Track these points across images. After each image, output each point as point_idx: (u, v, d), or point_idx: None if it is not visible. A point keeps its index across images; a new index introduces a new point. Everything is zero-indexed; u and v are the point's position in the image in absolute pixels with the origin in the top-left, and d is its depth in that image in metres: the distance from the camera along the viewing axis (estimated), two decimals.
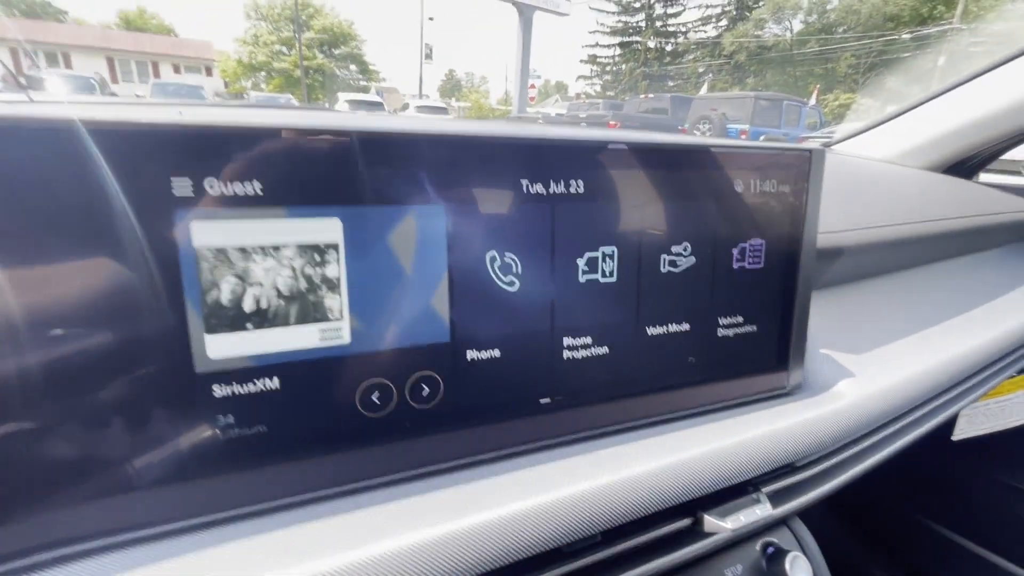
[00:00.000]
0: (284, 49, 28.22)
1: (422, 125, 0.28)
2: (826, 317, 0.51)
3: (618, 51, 36.23)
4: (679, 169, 0.34)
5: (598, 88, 37.85)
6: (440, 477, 0.30)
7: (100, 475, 0.23)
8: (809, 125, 11.39)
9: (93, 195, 0.22)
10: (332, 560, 0.24)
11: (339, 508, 0.27)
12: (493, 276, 0.30)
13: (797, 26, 28.62)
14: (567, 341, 0.32)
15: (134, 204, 0.22)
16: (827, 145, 1.10)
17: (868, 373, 0.45)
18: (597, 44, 36.98)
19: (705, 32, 33.75)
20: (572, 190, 0.31)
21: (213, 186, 0.23)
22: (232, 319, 0.25)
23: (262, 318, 0.25)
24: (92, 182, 0.22)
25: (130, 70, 27.76)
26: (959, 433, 0.72)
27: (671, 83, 33.88)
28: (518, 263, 0.30)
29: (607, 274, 0.33)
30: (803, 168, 0.39)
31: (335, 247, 0.26)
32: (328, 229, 0.26)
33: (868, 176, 0.71)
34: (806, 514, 0.45)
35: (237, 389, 0.25)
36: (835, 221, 0.49)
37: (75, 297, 0.22)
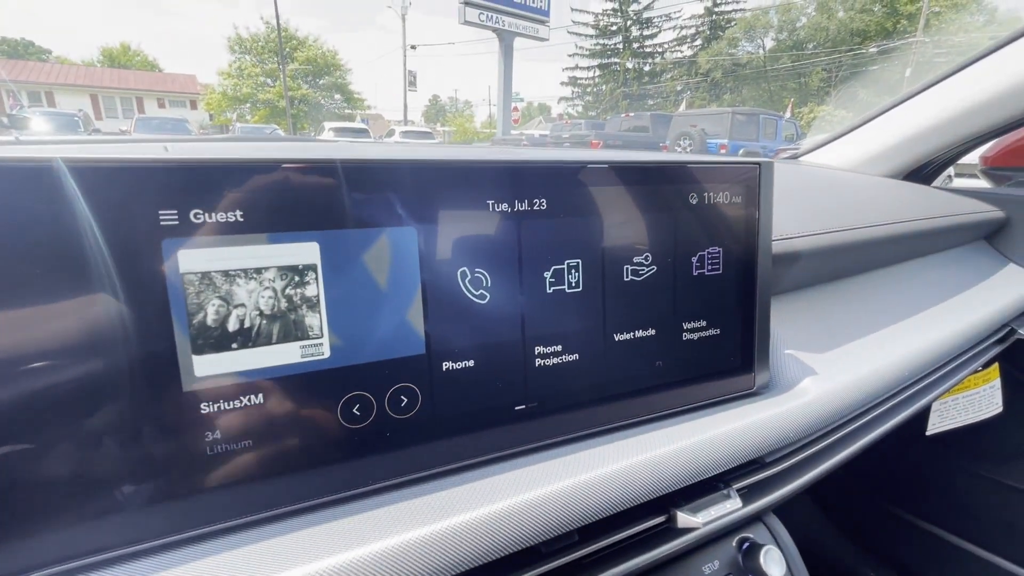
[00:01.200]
0: (268, 80, 28.54)
1: (394, 152, 0.31)
2: (791, 320, 0.53)
3: (598, 72, 37.15)
4: (637, 184, 0.37)
5: (580, 109, 38.66)
6: (421, 484, 0.31)
7: (94, 494, 0.24)
8: (787, 137, 11.70)
9: (84, 230, 0.23)
10: (316, 565, 0.25)
11: (323, 517, 0.28)
12: (464, 290, 0.32)
13: (769, 43, 29.63)
14: (538, 349, 0.34)
15: (123, 236, 0.24)
16: (795, 156, 1.15)
17: (831, 370, 0.47)
18: (577, 66, 37.93)
19: (681, 52, 34.79)
20: (536, 207, 0.34)
21: (198, 216, 0.25)
22: (218, 339, 0.26)
23: (246, 337, 0.27)
24: (83, 218, 0.23)
25: (114, 106, 27.85)
26: (932, 428, 0.74)
27: (651, 102, 34.72)
28: (488, 277, 0.33)
29: (573, 285, 0.35)
30: (753, 179, 0.41)
31: (314, 268, 0.28)
32: (306, 252, 0.28)
33: (826, 184, 0.75)
34: (788, 512, 0.47)
35: (223, 406, 0.27)
36: (791, 227, 0.51)
37: (69, 326, 0.23)
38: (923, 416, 0.72)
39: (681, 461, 0.35)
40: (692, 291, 0.40)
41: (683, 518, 0.36)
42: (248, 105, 28.55)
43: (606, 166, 0.36)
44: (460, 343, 0.32)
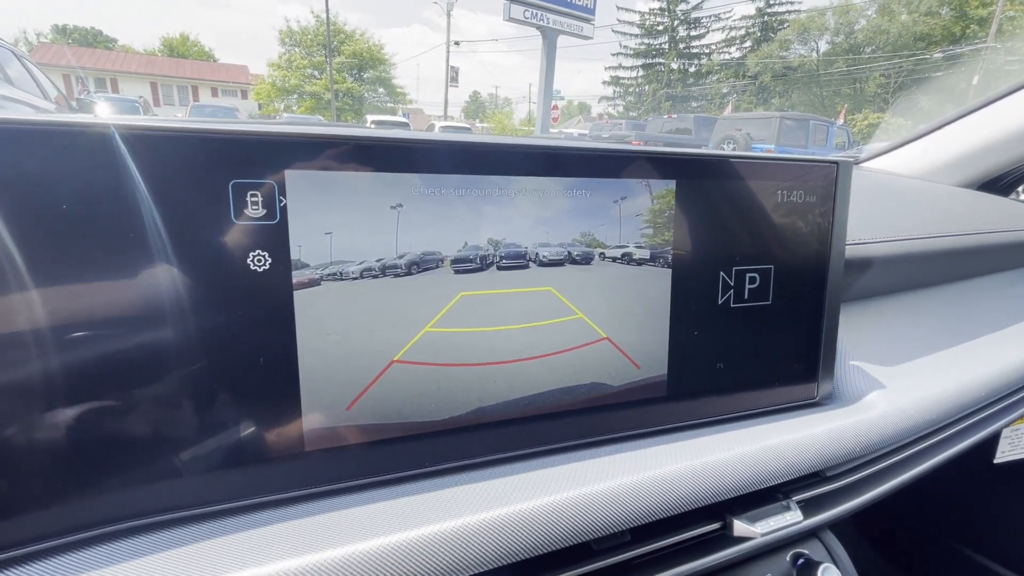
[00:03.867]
0: (315, 73, 29.35)
1: (460, 137, 0.31)
2: (859, 330, 0.51)
3: (641, 72, 36.53)
4: (708, 179, 0.36)
5: (621, 109, 38.15)
6: (488, 468, 0.31)
7: (189, 450, 0.25)
8: (837, 145, 11.22)
9: (213, 193, 0.24)
10: (382, 540, 0.25)
11: (398, 492, 0.28)
12: None
13: (824, 46, 28.46)
14: None
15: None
16: (857, 162, 1.09)
17: (900, 385, 0.44)
18: (620, 66, 37.42)
19: (729, 53, 33.83)
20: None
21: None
22: None
23: None
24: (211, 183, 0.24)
25: (171, 94, 29.22)
26: (1001, 456, 0.69)
27: (694, 104, 33.92)
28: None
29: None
30: (830, 179, 0.39)
31: None
32: None
33: (897, 190, 0.71)
34: (838, 534, 0.45)
35: None
36: (863, 233, 0.49)
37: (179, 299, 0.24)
38: (991, 442, 0.67)
39: (740, 468, 0.34)
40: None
41: (739, 526, 0.34)
42: (295, 96, 29.44)
43: (674, 158, 0.34)
44: None
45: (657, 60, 35.52)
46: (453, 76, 27.04)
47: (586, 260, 0.32)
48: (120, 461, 0.24)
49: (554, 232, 0.31)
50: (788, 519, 0.35)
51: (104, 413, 0.23)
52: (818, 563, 0.38)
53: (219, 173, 0.24)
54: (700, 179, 0.35)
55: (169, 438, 0.25)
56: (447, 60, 26.72)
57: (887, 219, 0.56)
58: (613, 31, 36.20)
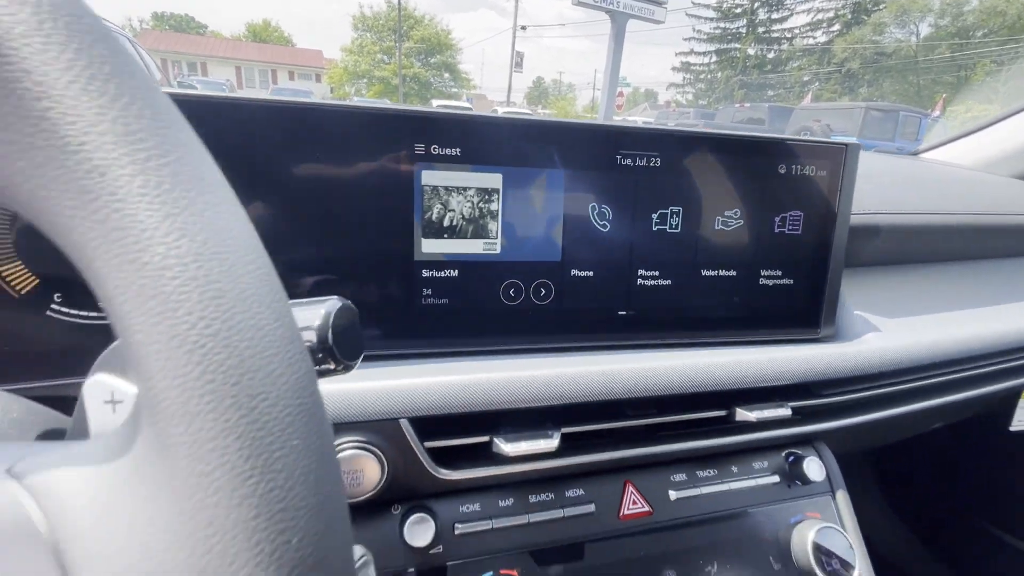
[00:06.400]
0: (385, 58, 30.26)
1: (554, 120, 0.44)
2: (869, 289, 0.60)
3: (714, 58, 34.91)
4: (734, 153, 0.47)
5: (690, 97, 36.70)
6: (546, 355, 0.45)
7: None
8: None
9: (366, 155, 0.39)
10: (476, 376, 0.40)
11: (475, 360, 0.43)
12: (593, 220, 0.45)
13: (924, 30, 25.94)
14: (640, 272, 0.46)
15: (389, 159, 0.39)
16: (916, 152, 1.12)
17: (896, 330, 0.54)
18: (692, 51, 35.92)
19: (814, 38, 31.57)
20: (651, 163, 0.45)
21: (435, 150, 0.40)
22: (436, 230, 0.41)
23: (452, 232, 0.42)
24: (364, 147, 0.39)
25: (253, 77, 31.15)
26: (1017, 424, 0.75)
27: (770, 92, 32.03)
28: (610, 212, 0.45)
29: (673, 226, 0.46)
30: (839, 158, 0.49)
31: (497, 191, 0.42)
32: (494, 179, 0.42)
33: (933, 176, 0.77)
34: (860, 512, 0.53)
35: (434, 274, 0.42)
36: (875, 205, 0.58)
37: (356, 213, 0.39)
38: (1007, 411, 0.73)
39: (742, 365, 0.46)
40: (772, 245, 0.49)
41: (740, 412, 0.46)
42: (365, 81, 30.53)
43: (708, 136, 0.46)
44: (585, 257, 0.45)
45: (732, 45, 33.74)
46: (518, 61, 27.02)
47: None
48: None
49: None
50: (780, 413, 0.46)
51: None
52: (804, 456, 0.49)
53: (403, 140, 0.39)
54: (729, 153, 0.47)
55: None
56: (512, 45, 26.72)
57: (907, 195, 0.64)
58: (687, 14, 34.71)
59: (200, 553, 0.13)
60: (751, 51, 32.98)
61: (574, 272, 0.45)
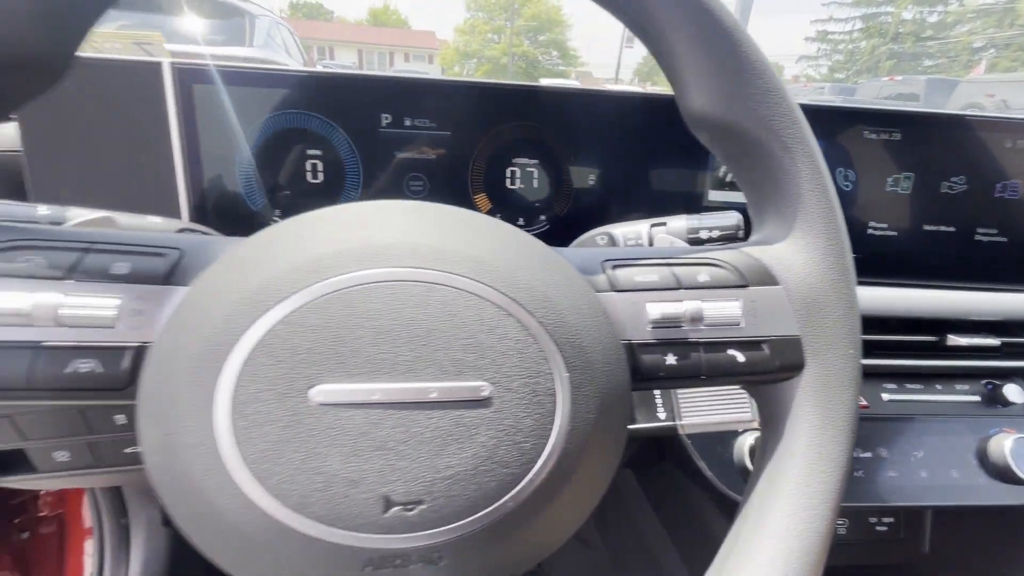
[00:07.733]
0: (495, 37, 30.65)
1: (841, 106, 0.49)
2: None
3: (858, 24, 30.66)
4: (971, 130, 0.51)
5: (824, 70, 32.77)
6: None
7: None
8: None
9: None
10: None
11: None
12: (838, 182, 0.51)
13: None
14: (872, 223, 0.53)
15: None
16: None
17: None
18: (831, 18, 31.84)
19: None
20: (891, 137, 0.48)
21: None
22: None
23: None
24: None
25: (372, 59, 33.30)
26: None
27: (928, 62, 27.51)
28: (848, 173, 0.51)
29: (904, 189, 0.52)
30: None
31: None
32: None
33: None
34: None
35: None
36: None
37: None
38: None
39: (959, 299, 0.52)
40: (991, 207, 0.54)
41: (952, 339, 0.52)
42: (475, 61, 31.25)
43: (949, 117, 0.51)
44: None
45: (884, 9, 29.41)
46: (629, 37, 25.93)
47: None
48: None
49: None
50: (989, 342, 0.52)
51: None
52: (1003, 384, 0.54)
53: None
54: (960, 130, 0.49)
55: None
56: None
57: None
58: None
59: None
60: (907, 15, 28.51)
61: None
